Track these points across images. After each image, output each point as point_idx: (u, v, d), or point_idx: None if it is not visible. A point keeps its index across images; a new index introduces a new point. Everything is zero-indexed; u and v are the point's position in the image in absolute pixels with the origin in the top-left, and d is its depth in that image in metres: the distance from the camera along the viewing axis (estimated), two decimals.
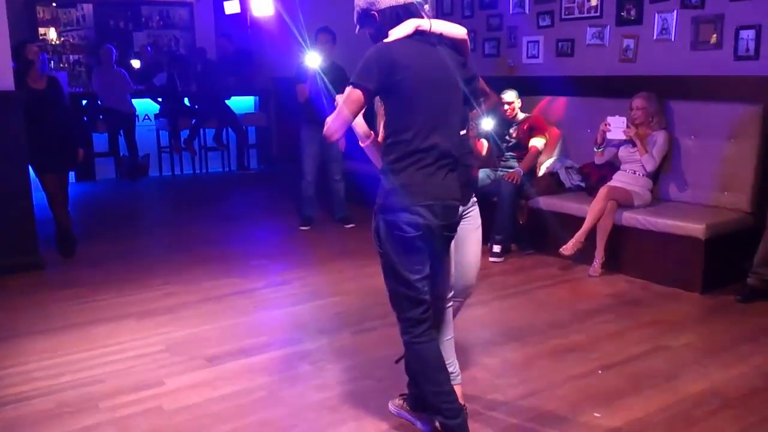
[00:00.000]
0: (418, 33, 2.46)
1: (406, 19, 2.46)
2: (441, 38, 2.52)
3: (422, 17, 2.50)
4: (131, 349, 3.68)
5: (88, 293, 4.56)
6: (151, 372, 3.41)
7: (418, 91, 2.41)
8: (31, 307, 4.31)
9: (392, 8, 2.48)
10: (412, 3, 2.50)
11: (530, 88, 6.07)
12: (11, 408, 3.05)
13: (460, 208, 2.61)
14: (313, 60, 5.70)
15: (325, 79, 5.63)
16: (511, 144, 5.64)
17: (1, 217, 4.88)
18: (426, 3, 2.55)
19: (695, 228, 4.42)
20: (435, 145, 2.43)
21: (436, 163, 2.44)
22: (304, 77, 5.94)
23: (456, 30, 2.57)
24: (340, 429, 2.87)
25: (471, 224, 2.73)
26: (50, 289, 4.66)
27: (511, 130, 5.64)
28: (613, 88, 5.57)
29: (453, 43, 2.57)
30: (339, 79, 5.71)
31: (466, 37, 2.60)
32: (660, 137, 4.96)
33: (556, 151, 5.87)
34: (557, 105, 6.04)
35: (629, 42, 5.54)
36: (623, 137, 5.00)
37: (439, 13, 7.31)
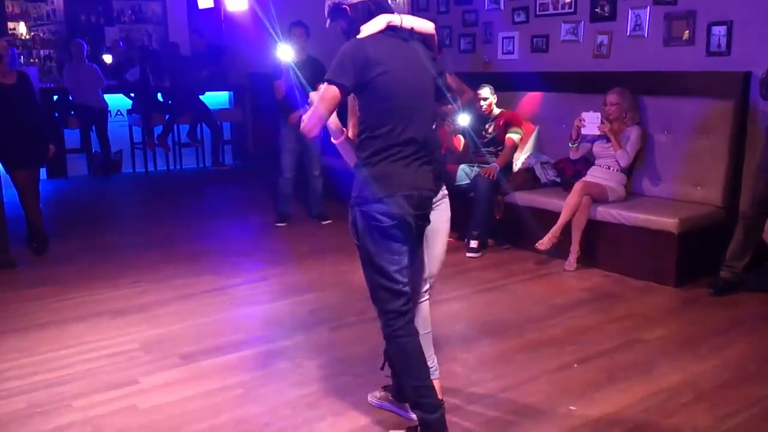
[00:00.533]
0: (390, 28, 2.46)
1: (377, 14, 2.46)
2: (412, 33, 2.52)
3: (392, 12, 2.49)
4: (105, 347, 3.63)
5: (61, 291, 4.49)
6: (125, 371, 3.36)
7: (393, 87, 2.42)
8: (2, 306, 4.23)
9: (364, 3, 2.48)
10: None
11: (506, 83, 6.08)
12: None
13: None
14: (285, 54, 5.65)
15: (299, 73, 5.60)
16: (487, 139, 5.65)
17: None
18: None
19: (668, 222, 4.47)
20: (411, 139, 2.45)
21: (412, 155, 2.46)
22: (281, 73, 5.90)
23: (425, 25, 2.58)
24: (318, 425, 2.85)
25: (442, 216, 2.73)
26: (22, 288, 4.58)
27: (487, 126, 5.66)
28: (588, 84, 5.62)
29: (423, 38, 2.58)
30: (316, 72, 5.65)
31: (434, 32, 2.60)
32: (633, 133, 5.01)
33: (532, 147, 5.89)
34: (532, 100, 6.06)
35: (603, 38, 5.58)
36: (598, 132, 5.04)
37: (415, 9, 7.31)
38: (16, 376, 3.30)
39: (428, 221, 2.60)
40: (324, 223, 6.29)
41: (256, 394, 3.12)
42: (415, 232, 2.54)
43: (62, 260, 5.20)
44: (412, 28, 2.52)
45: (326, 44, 7.34)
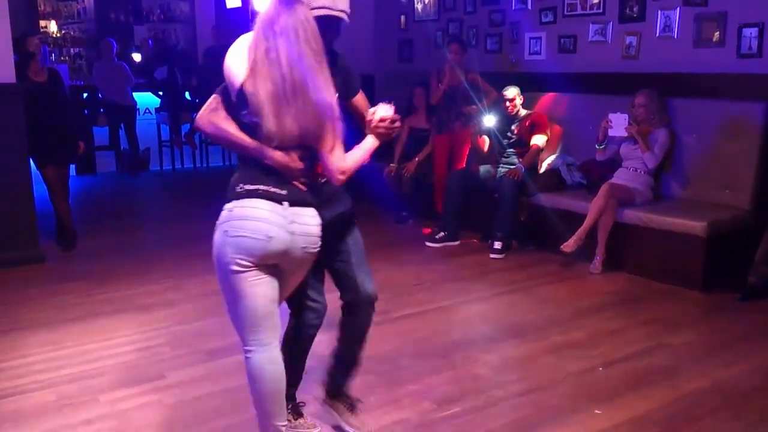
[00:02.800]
0: None
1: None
2: None
3: None
4: (132, 342, 3.68)
5: (89, 287, 4.56)
6: (151, 366, 3.41)
7: None
8: (32, 301, 4.31)
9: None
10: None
11: (532, 84, 6.06)
12: (12, 400, 3.05)
13: None
14: None
15: None
16: (512, 141, 5.63)
17: (2, 210, 4.88)
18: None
19: (696, 226, 4.42)
20: None
21: None
22: None
23: None
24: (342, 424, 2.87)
25: None
26: (51, 283, 4.66)
27: (512, 127, 5.64)
28: (615, 85, 5.57)
29: None
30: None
31: None
32: (662, 135, 4.96)
33: (558, 148, 5.86)
34: (559, 102, 6.03)
35: (632, 39, 5.53)
36: (625, 134, 4.99)
37: (442, 10, 7.31)
38: (45, 369, 3.37)
39: None
40: None
41: None
42: None
43: (91, 256, 5.28)
44: None
45: (352, 44, 7.41)
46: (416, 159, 6.35)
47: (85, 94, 8.98)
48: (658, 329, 3.87)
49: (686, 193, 5.00)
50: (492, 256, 5.24)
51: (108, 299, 4.34)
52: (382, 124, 2.33)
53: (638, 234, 4.76)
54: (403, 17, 7.87)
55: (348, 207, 2.61)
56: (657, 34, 5.35)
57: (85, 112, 8.72)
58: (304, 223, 2.23)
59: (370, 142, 2.36)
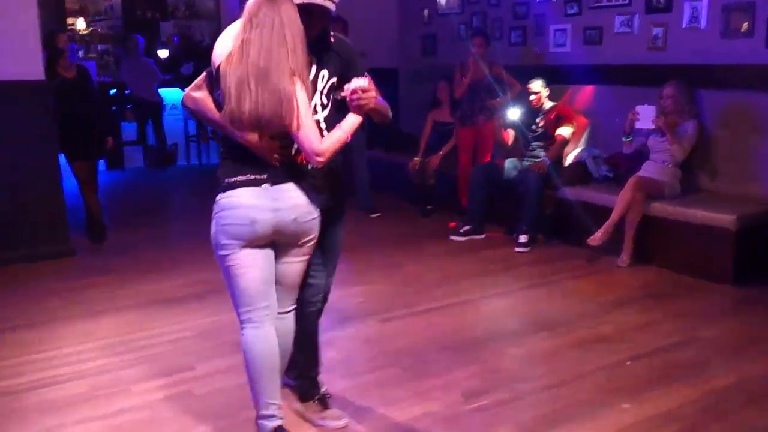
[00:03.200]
0: None
1: None
2: None
3: None
4: (162, 334, 3.74)
5: (119, 280, 4.63)
6: (181, 357, 3.46)
7: None
8: (64, 293, 4.39)
9: None
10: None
11: (557, 76, 6.02)
12: (45, 391, 3.12)
13: None
14: None
15: None
16: (537, 134, 5.60)
17: (33, 204, 4.97)
18: None
19: (726, 219, 4.37)
20: None
21: None
22: None
23: None
24: (368, 416, 2.89)
25: None
26: (81, 276, 4.74)
27: (537, 120, 5.61)
28: (642, 77, 5.50)
29: None
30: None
31: None
32: (690, 127, 4.90)
33: (584, 141, 5.82)
34: (585, 94, 5.98)
35: (658, 30, 5.46)
36: (652, 126, 4.95)
37: (465, 3, 7.28)
38: (77, 360, 3.43)
39: None
40: (373, 216, 6.33)
41: None
42: None
43: (120, 249, 5.36)
44: None
45: (370, 39, 7.41)
46: (440, 153, 6.34)
47: (113, 91, 9.09)
48: (687, 323, 3.84)
49: (715, 185, 4.94)
50: (517, 249, 5.23)
51: (137, 292, 4.40)
52: (354, 95, 2.38)
53: (666, 227, 4.71)
54: (426, 11, 7.85)
55: (330, 205, 2.66)
56: (684, 25, 5.28)
57: (113, 108, 8.83)
58: (288, 197, 2.39)
59: (350, 120, 2.41)
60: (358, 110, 2.40)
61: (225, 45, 2.35)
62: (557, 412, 2.90)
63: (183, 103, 2.57)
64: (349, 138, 2.41)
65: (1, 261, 4.84)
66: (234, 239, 2.39)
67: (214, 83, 2.39)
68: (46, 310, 4.09)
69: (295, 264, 2.54)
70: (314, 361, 2.88)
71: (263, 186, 2.37)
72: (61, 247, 5.13)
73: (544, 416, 2.87)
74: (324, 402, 2.86)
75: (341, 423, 2.81)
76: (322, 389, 2.89)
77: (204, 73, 2.46)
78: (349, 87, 2.39)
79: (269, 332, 2.49)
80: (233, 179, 2.38)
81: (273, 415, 2.52)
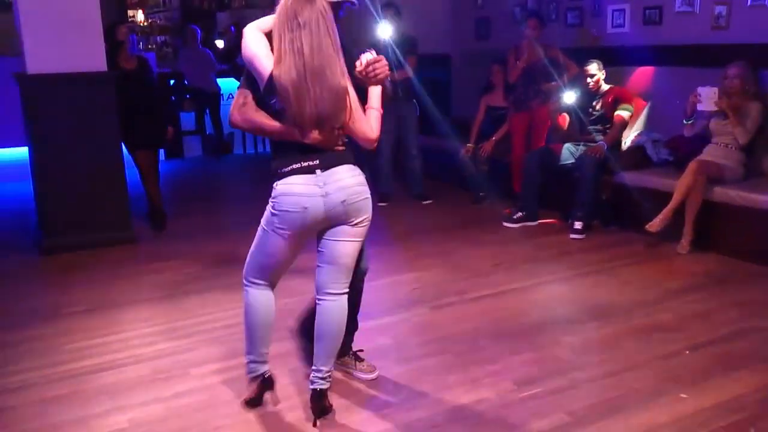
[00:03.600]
0: None
1: None
2: None
3: None
4: (220, 319, 3.83)
5: (179, 266, 4.76)
6: (238, 342, 3.49)
7: None
8: (126, 279, 4.54)
9: None
10: None
11: (615, 58, 5.86)
12: (109, 374, 3.24)
13: None
14: (384, 32, 5.71)
15: (396, 50, 5.66)
16: (594, 117, 5.49)
17: (97, 193, 5.14)
18: None
19: None
20: None
21: None
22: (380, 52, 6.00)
23: None
24: (420, 402, 2.91)
25: None
26: (144, 263, 4.89)
27: (594, 103, 5.49)
28: (704, 58, 5.32)
29: None
30: (408, 49, 5.94)
31: None
32: (754, 108, 4.72)
33: (642, 124, 5.67)
34: (644, 75, 5.82)
35: (721, 9, 5.27)
36: (714, 108, 4.78)
37: None
38: (140, 344, 3.56)
39: None
40: (425, 203, 6.32)
41: None
42: None
43: (180, 237, 5.49)
44: None
45: (424, 24, 7.36)
46: (493, 138, 6.28)
47: (172, 81, 9.29)
48: (748, 312, 3.72)
49: None
50: (572, 236, 5.15)
51: (197, 278, 4.52)
52: (370, 68, 2.52)
53: (728, 213, 4.57)
54: None
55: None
56: (749, 3, 5.07)
57: (172, 98, 9.02)
58: (337, 180, 2.53)
59: (374, 94, 2.59)
60: (377, 81, 2.55)
61: (262, 46, 2.47)
62: (611, 401, 2.86)
63: (234, 125, 2.62)
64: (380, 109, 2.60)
65: (67, 247, 5.03)
66: (285, 226, 2.56)
67: (266, 91, 2.47)
68: (109, 296, 4.24)
69: (348, 243, 2.64)
70: (352, 328, 3.09)
71: (316, 172, 2.51)
72: (123, 234, 5.29)
73: (598, 405, 2.83)
74: (357, 356, 3.15)
75: (372, 375, 3.10)
76: (355, 348, 3.16)
77: (242, 89, 2.58)
78: (361, 62, 2.52)
79: (270, 295, 2.79)
80: (288, 167, 2.52)
81: (264, 362, 2.82)
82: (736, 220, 4.55)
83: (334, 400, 2.84)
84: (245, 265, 2.78)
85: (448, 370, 3.16)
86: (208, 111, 9.10)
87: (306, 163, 2.51)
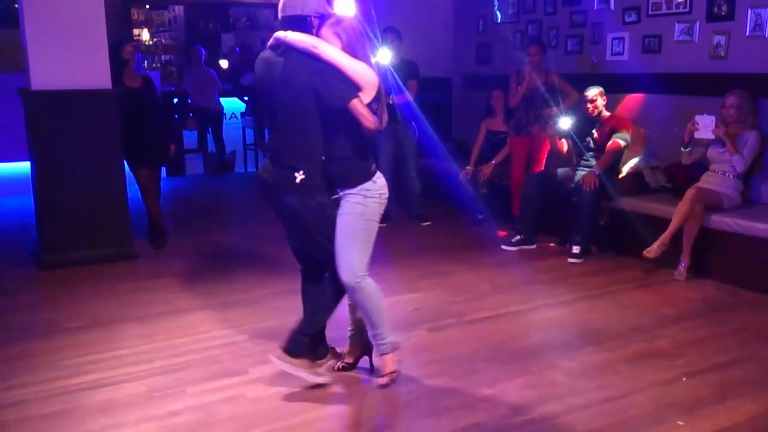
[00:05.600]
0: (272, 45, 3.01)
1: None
2: (290, 48, 2.92)
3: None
4: (217, 337, 3.83)
5: (179, 283, 4.76)
6: (235, 360, 3.54)
7: (261, 98, 3.24)
8: (125, 296, 4.54)
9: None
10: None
11: (614, 85, 5.92)
12: (104, 391, 3.23)
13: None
14: (384, 57, 5.78)
15: (395, 75, 5.74)
16: (591, 144, 5.52)
17: (98, 209, 5.15)
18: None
19: None
20: (271, 143, 3.17)
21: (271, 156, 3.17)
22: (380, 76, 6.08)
23: (303, 40, 2.91)
24: (416, 424, 2.91)
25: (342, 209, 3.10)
26: (143, 279, 4.89)
27: (593, 130, 5.53)
28: (702, 86, 5.38)
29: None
30: (408, 74, 6.03)
31: (312, 48, 2.89)
32: (751, 137, 4.76)
33: (641, 151, 5.71)
34: (642, 103, 5.87)
35: (720, 38, 5.33)
36: (712, 136, 4.82)
37: (521, 11, 7.24)
38: (136, 361, 3.55)
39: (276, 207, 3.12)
40: (424, 224, 6.34)
41: (357, 389, 3.22)
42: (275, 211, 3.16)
43: (180, 254, 5.50)
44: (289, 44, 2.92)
45: (426, 48, 7.45)
46: (493, 162, 6.32)
47: (175, 100, 9.35)
48: (746, 339, 3.73)
49: None
50: (570, 260, 5.16)
51: (195, 295, 4.52)
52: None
53: (726, 240, 4.59)
54: (481, 20, 7.84)
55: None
56: (747, 33, 5.14)
57: (176, 116, 9.07)
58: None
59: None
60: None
61: (368, 68, 2.93)
62: (608, 427, 2.86)
63: (376, 130, 2.95)
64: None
65: (66, 263, 5.04)
66: (381, 214, 3.13)
67: (374, 99, 2.94)
68: (107, 312, 4.24)
69: None
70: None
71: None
72: (124, 250, 5.29)
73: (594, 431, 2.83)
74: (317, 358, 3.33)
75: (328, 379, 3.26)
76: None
77: (362, 97, 2.89)
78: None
79: None
80: (373, 166, 3.08)
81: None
82: (733, 248, 4.57)
83: (331, 421, 2.84)
84: (352, 264, 3.04)
85: (445, 394, 3.15)
86: (210, 129, 9.16)
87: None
